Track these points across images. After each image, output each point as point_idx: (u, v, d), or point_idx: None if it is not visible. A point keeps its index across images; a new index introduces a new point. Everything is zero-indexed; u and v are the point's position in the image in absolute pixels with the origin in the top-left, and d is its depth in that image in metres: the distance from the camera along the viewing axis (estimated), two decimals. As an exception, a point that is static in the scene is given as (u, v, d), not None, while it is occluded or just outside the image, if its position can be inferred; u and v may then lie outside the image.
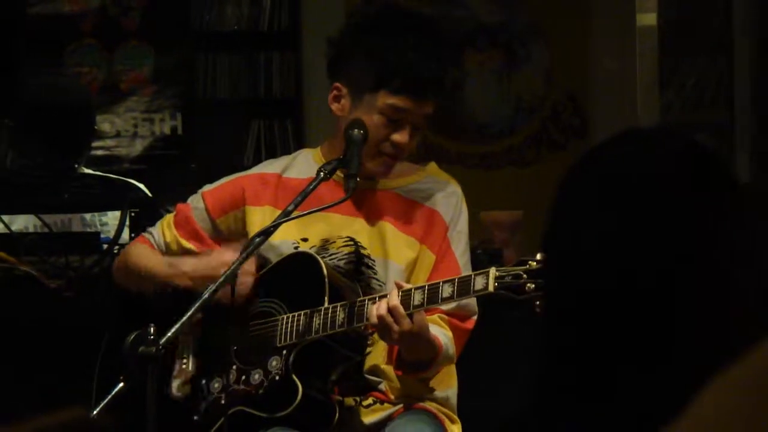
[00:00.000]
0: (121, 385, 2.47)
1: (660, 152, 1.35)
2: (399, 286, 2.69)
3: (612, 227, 1.32)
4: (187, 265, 2.91)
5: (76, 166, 3.77)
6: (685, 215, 1.31)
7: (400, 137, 2.83)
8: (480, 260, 3.55)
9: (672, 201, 1.32)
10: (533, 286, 2.52)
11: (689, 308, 1.29)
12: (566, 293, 1.33)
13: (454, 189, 2.95)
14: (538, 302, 2.48)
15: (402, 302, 2.65)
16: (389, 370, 2.88)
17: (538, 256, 2.49)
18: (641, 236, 1.30)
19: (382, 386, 2.89)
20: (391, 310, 2.64)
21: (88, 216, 3.73)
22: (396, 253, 2.88)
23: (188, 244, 2.99)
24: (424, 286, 2.67)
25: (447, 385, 2.94)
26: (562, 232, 1.36)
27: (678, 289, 1.29)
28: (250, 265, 2.85)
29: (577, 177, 1.37)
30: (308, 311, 2.76)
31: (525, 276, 2.54)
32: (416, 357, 2.78)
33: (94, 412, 2.43)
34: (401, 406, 2.89)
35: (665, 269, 1.29)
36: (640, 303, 1.29)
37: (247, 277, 2.84)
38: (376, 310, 2.66)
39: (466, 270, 2.89)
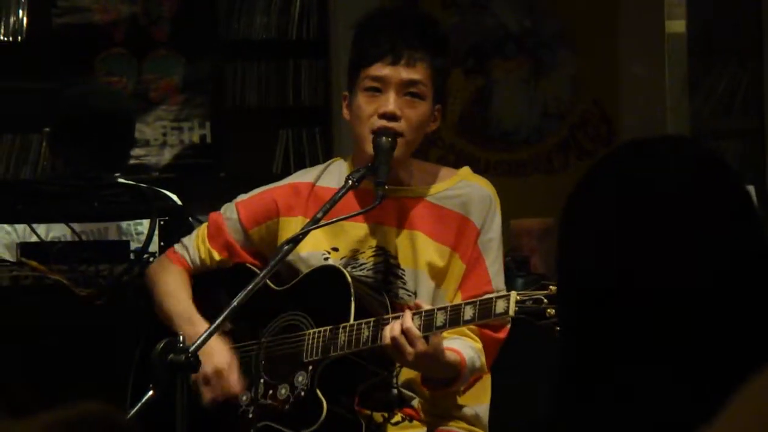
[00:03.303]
0: (151, 393, 2.48)
1: (668, 160, 1.35)
2: (418, 307, 2.69)
3: (623, 236, 1.32)
4: (202, 328, 2.83)
5: (117, 175, 3.79)
6: (697, 221, 1.31)
7: (384, 105, 2.81)
8: (508, 267, 3.54)
9: (683, 208, 1.32)
10: (553, 312, 2.52)
11: (705, 314, 1.29)
12: (580, 302, 1.33)
13: (488, 193, 2.92)
14: (558, 328, 2.48)
15: (425, 323, 2.64)
16: (424, 386, 2.86)
17: None
18: (655, 245, 1.30)
19: (415, 403, 2.87)
20: (404, 332, 2.63)
21: (124, 224, 3.74)
22: (426, 263, 2.86)
23: (221, 257, 3.00)
24: (447, 306, 2.66)
25: (478, 400, 2.91)
26: (575, 244, 1.36)
27: (690, 295, 1.29)
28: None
29: (586, 189, 1.37)
30: (334, 327, 2.75)
31: (546, 301, 2.54)
32: (435, 377, 2.77)
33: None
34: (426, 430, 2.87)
35: (676, 276, 1.29)
36: (657, 309, 1.29)
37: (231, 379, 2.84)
38: (390, 331, 2.65)
39: (496, 279, 2.88)
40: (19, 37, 5.68)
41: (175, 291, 2.96)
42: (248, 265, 2.98)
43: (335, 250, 2.90)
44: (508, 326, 2.85)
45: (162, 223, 3.49)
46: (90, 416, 1.12)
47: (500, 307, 2.59)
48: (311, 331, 2.80)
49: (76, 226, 3.55)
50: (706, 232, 1.30)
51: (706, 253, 1.30)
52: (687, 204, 1.32)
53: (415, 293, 2.85)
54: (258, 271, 2.82)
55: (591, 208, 1.36)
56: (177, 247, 3.06)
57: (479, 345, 2.82)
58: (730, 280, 1.29)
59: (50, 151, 3.94)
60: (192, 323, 2.89)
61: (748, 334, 1.28)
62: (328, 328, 2.76)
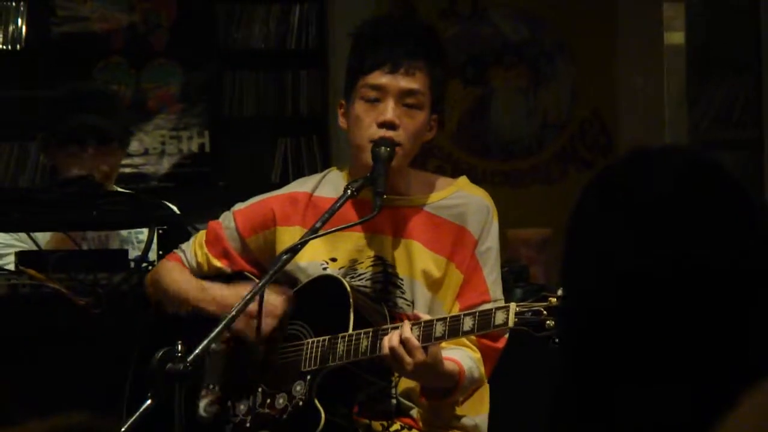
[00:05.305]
0: (149, 402, 2.47)
1: (671, 170, 1.34)
2: (417, 318, 2.68)
3: (628, 247, 1.31)
4: (217, 291, 2.92)
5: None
6: (701, 230, 1.30)
7: (382, 114, 2.81)
8: (506, 279, 3.53)
9: (687, 218, 1.31)
10: (552, 323, 2.52)
11: (706, 324, 1.28)
12: (581, 320, 1.33)
13: (485, 203, 2.92)
14: (557, 339, 2.48)
15: (423, 333, 2.63)
16: (423, 395, 2.86)
17: (559, 292, 2.48)
18: (659, 254, 1.29)
19: (414, 413, 2.87)
20: (403, 342, 2.63)
21: (125, 233, 3.74)
22: (423, 272, 2.86)
23: (219, 263, 3.00)
24: (446, 317, 2.65)
25: (477, 410, 2.90)
26: (580, 256, 1.35)
27: (693, 305, 1.28)
28: (276, 308, 2.84)
29: (589, 201, 1.36)
30: (332, 337, 2.75)
31: (545, 312, 2.53)
32: (434, 387, 2.77)
33: (123, 430, 2.44)
34: None
35: (681, 285, 1.28)
36: (660, 326, 1.29)
37: (271, 318, 2.84)
38: (388, 341, 2.64)
39: (494, 289, 2.88)
40: (18, 46, 5.69)
41: (179, 275, 3.00)
42: (247, 273, 2.98)
43: (333, 260, 2.90)
44: (507, 335, 2.85)
45: (161, 232, 3.48)
46: (77, 426, 1.12)
47: (499, 318, 2.58)
48: (310, 340, 2.80)
49: (76, 234, 3.55)
50: (712, 246, 1.29)
51: (712, 267, 1.28)
52: (692, 218, 1.30)
53: (412, 302, 2.85)
54: (256, 280, 2.82)
55: (594, 223, 1.35)
56: (175, 251, 3.08)
57: (478, 355, 2.81)
58: (737, 295, 1.28)
59: (45, 157, 3.95)
60: (204, 289, 2.93)
61: (755, 351, 1.27)
62: (326, 337, 2.76)
